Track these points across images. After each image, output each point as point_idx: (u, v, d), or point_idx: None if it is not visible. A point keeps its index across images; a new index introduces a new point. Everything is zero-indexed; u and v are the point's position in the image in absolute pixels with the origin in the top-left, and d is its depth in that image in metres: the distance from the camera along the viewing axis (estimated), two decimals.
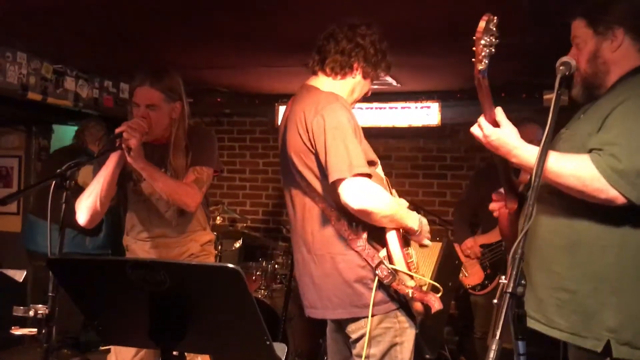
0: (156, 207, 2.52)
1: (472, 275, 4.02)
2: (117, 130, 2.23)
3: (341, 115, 2.02)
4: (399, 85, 4.56)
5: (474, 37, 1.64)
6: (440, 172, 5.22)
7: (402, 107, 4.88)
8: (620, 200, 1.64)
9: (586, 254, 1.75)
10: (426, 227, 2.18)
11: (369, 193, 1.97)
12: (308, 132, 2.06)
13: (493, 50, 1.62)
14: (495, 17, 1.62)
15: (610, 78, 1.84)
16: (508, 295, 1.33)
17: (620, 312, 1.70)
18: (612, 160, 1.64)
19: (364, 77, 2.22)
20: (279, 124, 2.35)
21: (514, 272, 1.35)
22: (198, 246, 2.60)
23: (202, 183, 2.48)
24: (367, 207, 1.96)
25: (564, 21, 1.97)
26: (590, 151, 1.70)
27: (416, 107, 4.85)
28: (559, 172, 1.69)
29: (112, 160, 2.32)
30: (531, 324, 1.81)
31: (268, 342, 1.49)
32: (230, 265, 1.41)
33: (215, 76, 4.66)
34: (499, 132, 1.74)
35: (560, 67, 1.74)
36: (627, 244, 1.71)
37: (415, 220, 2.12)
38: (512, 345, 1.42)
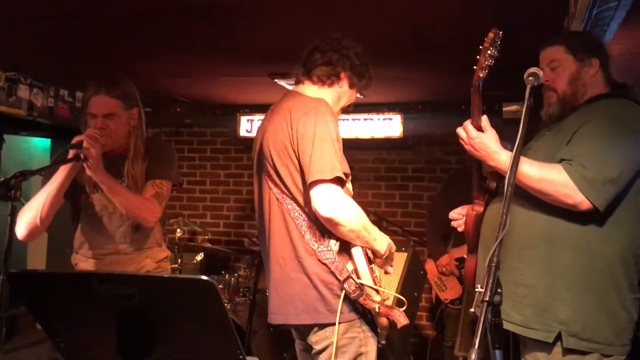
0: (109, 222, 2.40)
1: (450, 289, 4.03)
2: (76, 140, 2.11)
3: (330, 121, 2.02)
4: (361, 96, 4.58)
5: (481, 47, 1.82)
6: (402, 183, 5.26)
7: (365, 119, 4.92)
8: (585, 205, 1.81)
9: (545, 252, 1.91)
10: (393, 252, 2.17)
11: (341, 203, 1.95)
12: (292, 130, 2.03)
13: (492, 62, 1.80)
14: (501, 32, 1.79)
15: (584, 99, 2.01)
16: (485, 303, 1.34)
17: (572, 306, 1.87)
18: (582, 169, 1.80)
19: (350, 86, 2.24)
20: (258, 125, 2.31)
21: (490, 281, 1.37)
22: (153, 263, 2.50)
23: (162, 198, 2.40)
24: (335, 217, 1.94)
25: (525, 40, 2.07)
26: (560, 161, 1.85)
27: (378, 119, 4.91)
28: (533, 177, 1.84)
29: (61, 174, 2.18)
30: None
31: (241, 357, 1.45)
32: (204, 278, 1.37)
33: (176, 86, 4.59)
34: (483, 136, 1.92)
35: (529, 78, 1.81)
36: (582, 246, 1.87)
37: (383, 244, 2.10)
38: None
